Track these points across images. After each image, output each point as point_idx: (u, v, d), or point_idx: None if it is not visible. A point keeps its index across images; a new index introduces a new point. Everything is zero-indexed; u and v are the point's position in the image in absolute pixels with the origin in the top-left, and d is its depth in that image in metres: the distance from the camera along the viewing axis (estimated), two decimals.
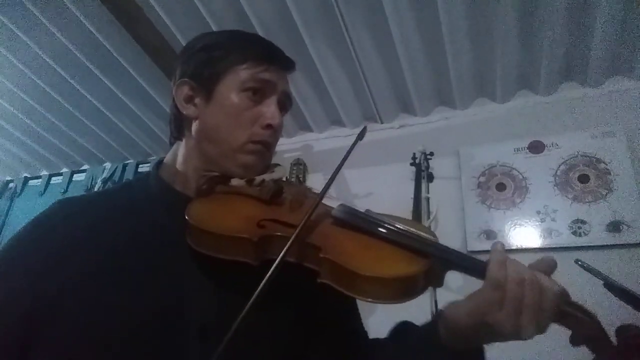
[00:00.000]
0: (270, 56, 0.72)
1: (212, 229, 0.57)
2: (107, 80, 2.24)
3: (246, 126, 0.68)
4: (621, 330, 0.51)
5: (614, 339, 0.52)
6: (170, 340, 0.56)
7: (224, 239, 0.56)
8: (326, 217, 0.64)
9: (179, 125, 0.75)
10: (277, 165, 0.75)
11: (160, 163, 0.76)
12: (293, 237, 0.53)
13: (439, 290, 1.68)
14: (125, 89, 2.31)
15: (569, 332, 0.53)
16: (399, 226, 0.61)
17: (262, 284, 0.47)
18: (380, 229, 0.60)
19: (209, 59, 0.71)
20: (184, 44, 1.87)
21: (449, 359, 0.55)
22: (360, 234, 0.61)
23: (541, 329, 0.49)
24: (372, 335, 0.77)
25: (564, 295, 0.50)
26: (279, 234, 0.57)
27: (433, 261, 0.55)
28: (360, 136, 0.73)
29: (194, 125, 0.71)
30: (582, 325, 0.51)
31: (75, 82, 2.29)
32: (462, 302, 0.54)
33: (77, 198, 0.73)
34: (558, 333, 0.54)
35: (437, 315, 0.58)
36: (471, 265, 0.55)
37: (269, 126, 0.69)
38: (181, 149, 0.74)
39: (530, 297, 0.48)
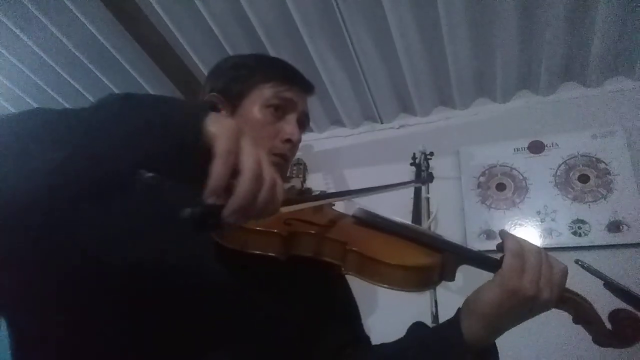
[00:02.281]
0: (292, 78, 0.79)
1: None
2: (107, 80, 2.24)
3: (267, 139, 0.74)
4: (613, 314, 0.59)
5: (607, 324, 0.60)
6: (179, 328, 0.57)
7: (255, 233, 0.59)
8: (347, 218, 0.72)
9: None
10: (291, 177, 0.80)
11: None
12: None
13: (439, 291, 1.69)
14: (125, 89, 2.30)
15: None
16: (414, 226, 0.68)
17: None
18: (399, 227, 0.66)
19: (237, 77, 0.78)
20: (184, 44, 1.90)
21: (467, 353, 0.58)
22: (380, 232, 0.67)
23: (552, 299, 0.57)
24: (372, 336, 0.78)
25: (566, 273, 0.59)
26: (305, 231, 0.63)
27: (447, 255, 0.61)
28: None
29: None
30: (580, 308, 0.60)
31: (75, 81, 2.29)
32: (481, 285, 0.59)
33: None
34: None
35: (457, 311, 0.62)
36: (482, 258, 0.61)
37: (288, 140, 0.75)
38: None
39: (545, 266, 0.57)
